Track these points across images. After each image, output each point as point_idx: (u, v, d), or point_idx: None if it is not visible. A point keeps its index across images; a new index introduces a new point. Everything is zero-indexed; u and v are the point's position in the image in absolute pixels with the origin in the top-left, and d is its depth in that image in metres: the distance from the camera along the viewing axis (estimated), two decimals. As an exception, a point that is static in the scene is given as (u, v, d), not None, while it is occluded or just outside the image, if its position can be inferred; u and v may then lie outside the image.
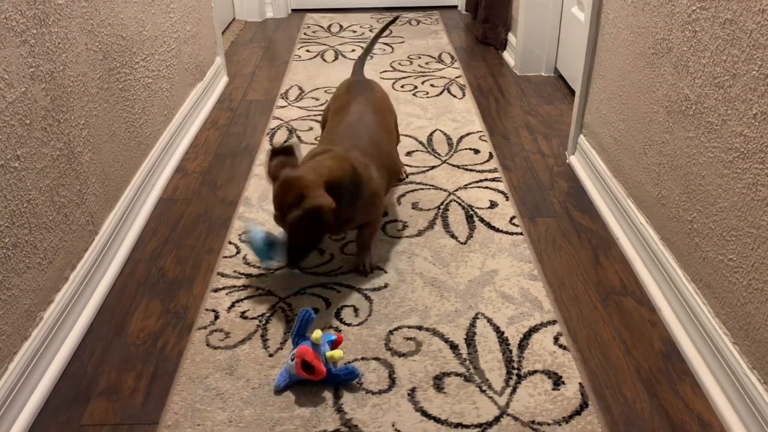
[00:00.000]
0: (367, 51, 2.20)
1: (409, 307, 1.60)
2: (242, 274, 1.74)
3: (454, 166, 2.26)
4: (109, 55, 1.80)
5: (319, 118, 2.64)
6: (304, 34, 3.81)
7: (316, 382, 1.37)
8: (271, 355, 1.46)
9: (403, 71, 3.16)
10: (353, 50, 3.48)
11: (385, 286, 1.68)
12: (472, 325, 1.54)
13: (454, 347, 1.48)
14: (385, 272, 1.73)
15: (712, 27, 1.35)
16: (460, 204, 2.03)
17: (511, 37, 3.32)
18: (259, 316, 1.58)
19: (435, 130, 2.52)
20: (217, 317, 1.59)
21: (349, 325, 1.55)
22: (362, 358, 1.45)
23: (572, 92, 2.86)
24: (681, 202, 1.52)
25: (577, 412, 1.31)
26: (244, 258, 1.80)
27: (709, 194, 1.39)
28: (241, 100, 2.89)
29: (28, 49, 1.37)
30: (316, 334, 1.36)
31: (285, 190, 1.49)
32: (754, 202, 1.22)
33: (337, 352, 1.36)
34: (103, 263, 1.70)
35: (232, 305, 1.62)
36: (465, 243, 1.84)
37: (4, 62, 1.28)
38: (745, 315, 1.26)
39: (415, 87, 2.95)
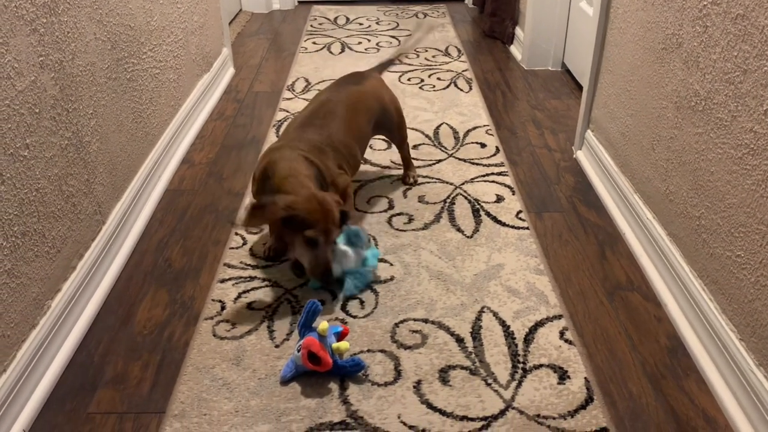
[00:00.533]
0: (390, 61, 2.20)
1: (414, 300, 1.60)
2: (248, 265, 1.74)
3: (460, 159, 2.26)
4: (117, 45, 1.80)
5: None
6: (311, 26, 3.80)
7: (322, 373, 1.37)
8: (277, 346, 1.46)
9: (409, 64, 3.15)
10: (360, 42, 3.47)
11: (391, 278, 1.68)
12: (478, 318, 1.54)
13: (459, 340, 1.48)
14: (391, 265, 1.73)
15: (724, 22, 1.34)
16: (466, 198, 2.03)
17: (518, 30, 3.31)
18: (265, 307, 1.59)
19: (441, 124, 2.52)
20: (223, 308, 1.59)
21: (355, 317, 1.55)
22: (368, 351, 1.46)
23: (579, 87, 2.85)
24: (689, 198, 1.51)
25: (583, 407, 1.31)
26: (250, 249, 1.81)
27: (717, 190, 1.38)
28: (247, 91, 2.89)
29: (38, 38, 1.37)
30: (323, 325, 1.36)
31: (327, 206, 1.53)
32: (763, 199, 1.22)
33: (343, 344, 1.37)
34: (110, 253, 1.70)
35: (239, 296, 1.63)
36: (471, 237, 1.84)
37: (14, 51, 1.28)
38: (752, 312, 1.26)
39: (422, 80, 2.95)
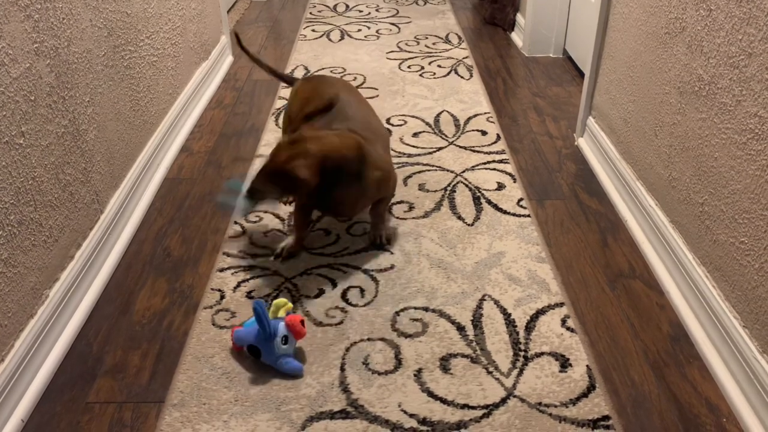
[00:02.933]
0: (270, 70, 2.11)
1: (415, 289, 1.59)
2: (248, 254, 1.73)
3: (461, 147, 2.24)
4: (113, 32, 1.78)
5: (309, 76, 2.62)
6: (310, 13, 3.77)
7: (261, 362, 1.38)
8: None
9: (409, 51, 3.12)
10: (359, 30, 3.45)
11: (392, 267, 1.67)
12: (479, 306, 1.53)
13: (460, 328, 1.47)
14: (392, 253, 1.72)
15: (728, 5, 1.32)
16: (467, 186, 2.02)
17: (519, 17, 3.28)
18: (265, 296, 1.58)
19: (442, 111, 2.50)
20: (222, 297, 1.58)
21: (355, 305, 1.54)
22: (368, 339, 1.45)
23: (581, 74, 2.83)
24: (692, 184, 1.50)
25: (585, 395, 1.31)
26: (249, 238, 1.79)
27: (721, 176, 1.37)
28: (246, 79, 2.87)
29: (33, 24, 1.35)
30: (280, 303, 1.39)
31: (287, 144, 1.50)
32: (767, 185, 1.20)
33: (281, 301, 1.40)
34: (109, 242, 1.69)
35: (238, 285, 1.62)
36: (472, 225, 1.83)
37: (8, 37, 1.26)
38: (756, 298, 1.25)
39: (422, 67, 2.92)
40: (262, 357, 1.36)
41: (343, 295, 1.58)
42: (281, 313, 1.38)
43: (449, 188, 2.00)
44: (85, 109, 1.60)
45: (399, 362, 1.39)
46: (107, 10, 1.74)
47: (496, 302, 1.55)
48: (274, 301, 1.40)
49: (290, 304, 1.40)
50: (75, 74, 1.54)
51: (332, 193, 1.54)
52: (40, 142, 1.38)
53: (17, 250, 1.29)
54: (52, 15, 1.44)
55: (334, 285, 1.61)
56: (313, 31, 3.46)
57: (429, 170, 2.10)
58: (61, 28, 1.48)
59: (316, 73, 2.01)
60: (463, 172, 2.09)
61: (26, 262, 1.33)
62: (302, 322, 1.36)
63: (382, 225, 1.75)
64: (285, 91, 2.70)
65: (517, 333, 1.46)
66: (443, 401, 1.29)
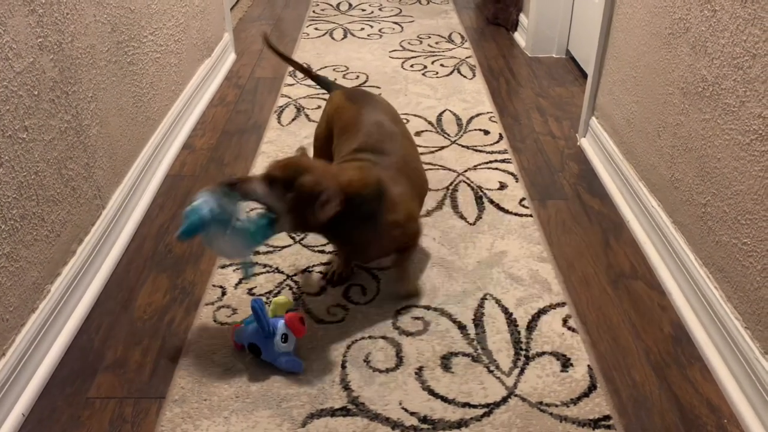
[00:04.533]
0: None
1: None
2: (249, 251, 1.73)
3: (463, 146, 2.24)
4: (117, 28, 1.78)
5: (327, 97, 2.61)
6: (313, 12, 3.77)
7: (262, 360, 1.38)
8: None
9: (412, 50, 3.12)
10: (362, 29, 3.44)
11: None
12: (481, 305, 1.53)
13: (462, 327, 1.47)
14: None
15: (733, 6, 1.32)
16: (469, 185, 2.01)
17: (522, 17, 3.27)
18: (266, 293, 1.58)
19: (445, 111, 2.50)
20: (224, 293, 1.58)
21: (356, 303, 1.54)
22: (369, 337, 1.45)
23: (584, 74, 2.82)
24: (695, 185, 1.50)
25: (586, 394, 1.30)
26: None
27: (724, 177, 1.37)
28: (249, 77, 2.87)
29: (37, 18, 1.35)
30: (280, 301, 1.39)
31: (292, 165, 1.30)
32: (771, 186, 1.20)
33: (281, 298, 1.40)
34: (111, 237, 1.69)
35: (240, 282, 1.62)
36: (474, 224, 1.83)
37: (12, 31, 1.26)
38: (758, 300, 1.25)
39: (425, 67, 2.92)
40: (263, 355, 1.36)
41: (345, 293, 1.58)
42: (281, 311, 1.38)
43: (451, 187, 2.00)
44: (88, 104, 1.60)
45: (400, 360, 1.39)
46: (111, 6, 1.74)
47: (498, 301, 1.54)
48: (274, 299, 1.40)
49: (291, 302, 1.40)
50: (78, 69, 1.54)
51: (344, 231, 1.37)
52: (43, 137, 1.38)
53: (19, 244, 1.29)
54: (57, 10, 1.44)
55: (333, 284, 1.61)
56: (316, 29, 3.46)
57: (431, 169, 2.10)
58: (65, 23, 1.48)
59: (359, 87, 1.79)
60: (466, 171, 2.09)
61: (28, 257, 1.33)
62: (302, 319, 1.36)
63: (407, 278, 1.55)
64: (288, 89, 2.70)
65: (519, 332, 1.46)
66: (444, 399, 1.29)
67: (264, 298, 1.51)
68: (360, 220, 1.35)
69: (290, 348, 1.36)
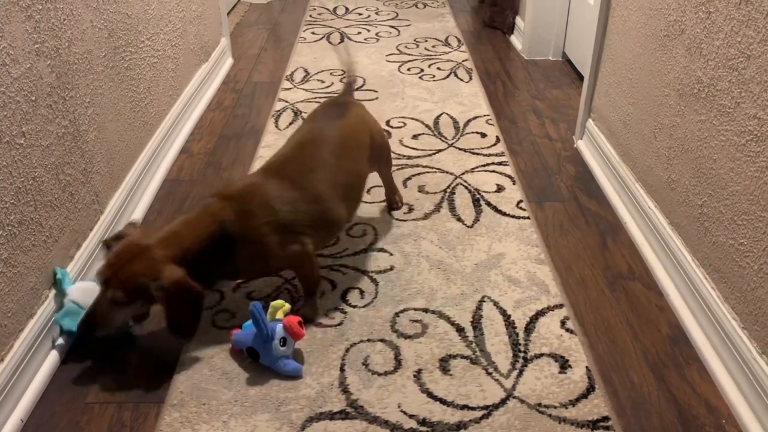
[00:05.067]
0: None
1: (415, 290, 1.59)
2: (248, 255, 1.73)
3: (460, 149, 2.24)
4: (114, 33, 1.78)
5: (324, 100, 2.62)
6: (310, 16, 3.78)
7: (261, 365, 1.38)
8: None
9: (409, 54, 3.13)
10: (359, 33, 3.45)
11: (391, 268, 1.67)
12: (479, 308, 1.53)
13: (460, 330, 1.47)
14: (391, 255, 1.72)
15: (727, 8, 1.33)
16: (466, 188, 2.02)
17: (518, 20, 3.29)
18: (264, 297, 1.58)
19: (442, 114, 2.50)
20: (222, 297, 1.58)
21: (354, 307, 1.54)
22: (368, 340, 1.45)
23: (580, 77, 2.83)
24: (691, 186, 1.50)
25: (584, 396, 1.31)
26: (249, 239, 1.79)
27: (720, 178, 1.37)
28: (246, 81, 2.87)
29: (33, 24, 1.35)
30: (278, 305, 1.38)
31: (125, 256, 1.29)
32: (767, 186, 1.21)
33: (278, 302, 1.39)
34: (109, 243, 1.69)
35: (238, 286, 1.62)
36: (471, 227, 1.83)
37: (9, 37, 1.26)
38: (755, 300, 1.25)
39: (422, 70, 2.93)
40: (261, 359, 1.36)
41: (343, 297, 1.58)
42: (279, 315, 1.38)
43: (449, 190, 2.01)
44: (86, 109, 1.60)
45: (399, 363, 1.39)
46: (108, 11, 1.74)
47: (496, 303, 1.55)
48: (272, 303, 1.40)
49: (288, 306, 1.40)
50: (76, 75, 1.55)
51: (217, 273, 1.39)
52: (40, 143, 1.38)
53: (17, 250, 1.29)
54: (53, 16, 1.44)
55: (334, 286, 1.61)
56: (313, 33, 3.46)
57: (428, 172, 2.11)
58: (62, 29, 1.48)
59: (344, 94, 1.75)
60: (463, 174, 2.09)
61: (26, 262, 1.33)
62: (300, 323, 1.36)
63: (310, 300, 1.51)
64: (285, 93, 2.71)
65: (517, 334, 1.46)
66: (443, 402, 1.29)
67: (262, 302, 1.51)
68: (221, 262, 1.35)
69: (289, 352, 1.36)
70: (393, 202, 1.92)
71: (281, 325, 1.35)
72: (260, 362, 1.37)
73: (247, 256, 1.38)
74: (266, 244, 1.38)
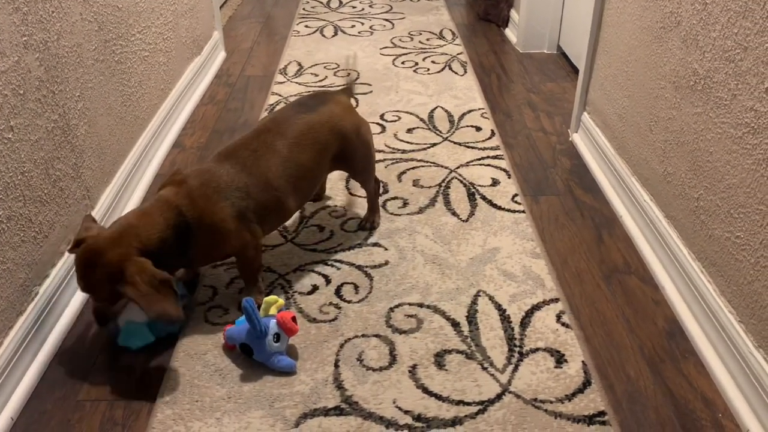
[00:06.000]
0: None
1: (409, 285, 1.58)
2: (241, 250, 1.71)
3: (455, 143, 2.23)
4: (104, 27, 1.76)
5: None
6: (303, 9, 3.75)
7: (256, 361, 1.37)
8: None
9: (403, 47, 3.11)
10: (353, 26, 3.43)
11: (386, 263, 1.66)
12: (474, 302, 1.52)
13: (455, 324, 1.46)
14: (386, 249, 1.71)
15: (724, -1, 1.31)
16: (461, 181, 2.01)
17: (513, 13, 3.27)
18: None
19: (436, 107, 2.49)
20: (215, 293, 1.57)
21: (349, 302, 1.53)
22: (362, 335, 1.44)
23: (575, 70, 2.82)
24: (687, 179, 1.49)
25: (580, 390, 1.30)
26: (242, 234, 1.78)
27: (716, 171, 1.36)
28: (239, 75, 2.85)
29: (21, 16, 1.33)
30: (271, 301, 1.37)
31: (88, 264, 1.27)
32: (763, 179, 1.20)
33: (271, 298, 1.38)
34: (100, 238, 1.67)
35: (231, 281, 1.60)
36: (466, 221, 1.82)
37: (-4, 30, 1.24)
38: (751, 293, 1.25)
39: (416, 63, 2.91)
40: (255, 355, 1.35)
41: (337, 292, 1.57)
42: (272, 311, 1.37)
43: (443, 184, 1.99)
44: (76, 103, 1.58)
45: (393, 358, 1.38)
46: (97, 4, 1.72)
47: (491, 298, 1.54)
48: (265, 299, 1.38)
49: (281, 301, 1.39)
50: (65, 68, 1.52)
51: (185, 253, 1.37)
52: (29, 137, 1.36)
53: (6, 246, 1.27)
54: (41, 8, 1.42)
55: (328, 281, 1.60)
56: (307, 26, 3.44)
57: (423, 166, 2.09)
58: (51, 22, 1.46)
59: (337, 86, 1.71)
60: (458, 168, 2.08)
61: (15, 258, 1.31)
62: (294, 318, 1.34)
63: (251, 288, 1.52)
64: (277, 87, 2.69)
65: (512, 329, 1.45)
66: (438, 397, 1.29)
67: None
68: (179, 250, 1.34)
69: (282, 348, 1.35)
70: (364, 220, 1.81)
71: (275, 320, 1.34)
72: (253, 358, 1.35)
73: (203, 243, 1.37)
74: (223, 230, 1.38)
